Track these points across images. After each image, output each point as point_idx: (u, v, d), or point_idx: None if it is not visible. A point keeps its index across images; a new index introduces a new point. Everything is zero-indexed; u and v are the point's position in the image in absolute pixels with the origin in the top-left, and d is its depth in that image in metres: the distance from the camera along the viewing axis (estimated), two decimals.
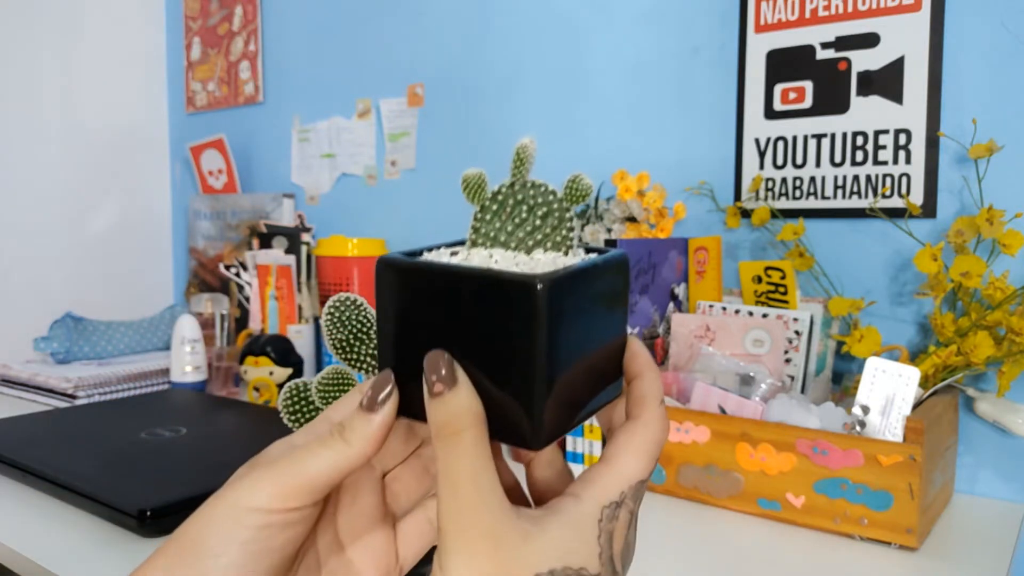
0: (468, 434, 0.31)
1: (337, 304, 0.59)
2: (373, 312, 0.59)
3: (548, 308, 0.30)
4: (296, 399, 0.58)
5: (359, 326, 0.58)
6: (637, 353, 0.36)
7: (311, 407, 0.58)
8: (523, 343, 0.31)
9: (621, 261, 0.36)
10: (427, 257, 0.35)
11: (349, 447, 0.33)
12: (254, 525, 0.31)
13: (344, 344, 0.58)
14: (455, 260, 0.34)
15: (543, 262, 0.34)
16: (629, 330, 0.39)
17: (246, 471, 0.33)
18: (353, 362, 0.58)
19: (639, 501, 0.34)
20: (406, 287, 0.34)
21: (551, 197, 0.36)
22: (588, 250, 0.37)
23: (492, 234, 0.36)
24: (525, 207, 0.36)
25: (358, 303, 0.59)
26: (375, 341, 0.57)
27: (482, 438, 0.31)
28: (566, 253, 0.36)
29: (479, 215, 0.36)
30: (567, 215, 0.36)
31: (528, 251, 0.36)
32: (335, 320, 0.58)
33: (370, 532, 0.37)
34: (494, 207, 0.36)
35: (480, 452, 0.31)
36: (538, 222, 0.36)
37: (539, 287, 0.30)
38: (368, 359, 0.58)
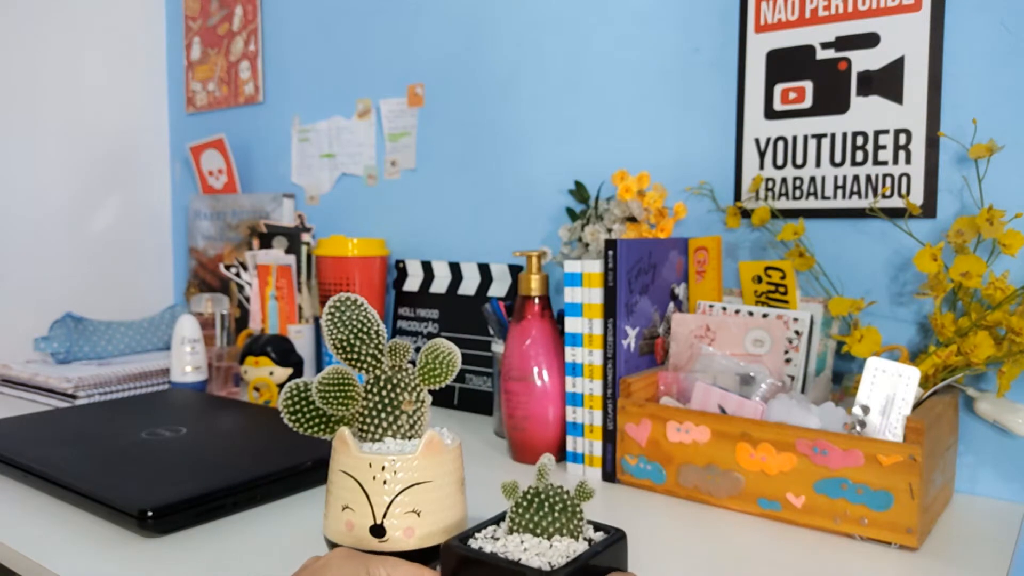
0: None
1: (337, 304, 0.59)
2: (374, 312, 0.59)
3: None
4: (297, 399, 0.58)
5: (359, 326, 0.58)
6: None
7: (311, 407, 0.58)
8: None
9: (619, 543, 0.52)
10: (477, 538, 0.53)
11: None
12: None
13: (344, 344, 0.58)
14: (497, 545, 0.52)
15: (559, 550, 0.50)
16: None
17: None
18: (353, 362, 0.58)
19: None
20: (466, 564, 0.51)
21: (565, 497, 0.52)
22: (596, 528, 0.54)
23: (524, 523, 0.52)
24: (547, 504, 0.52)
25: (358, 303, 0.59)
26: (375, 341, 0.57)
27: None
28: (577, 539, 0.52)
29: (515, 509, 0.53)
30: (577, 509, 0.52)
31: (549, 537, 0.52)
32: (335, 320, 0.58)
33: None
34: (524, 503, 0.53)
35: None
36: (556, 514, 0.52)
37: None
38: (368, 359, 0.58)
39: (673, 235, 1.03)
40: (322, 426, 0.58)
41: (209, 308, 1.38)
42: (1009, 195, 0.83)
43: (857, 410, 0.73)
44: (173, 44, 1.82)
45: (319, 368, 1.40)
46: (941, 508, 0.79)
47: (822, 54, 0.95)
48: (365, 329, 0.59)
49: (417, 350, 1.24)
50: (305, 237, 1.38)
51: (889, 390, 0.72)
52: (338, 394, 0.55)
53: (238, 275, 1.45)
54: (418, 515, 0.54)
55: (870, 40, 0.92)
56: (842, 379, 0.91)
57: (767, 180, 0.99)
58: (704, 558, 0.68)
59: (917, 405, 0.75)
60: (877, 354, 0.77)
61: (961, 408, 0.86)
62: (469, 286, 1.27)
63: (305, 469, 0.83)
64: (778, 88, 0.98)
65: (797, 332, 0.86)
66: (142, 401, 1.14)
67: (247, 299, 1.46)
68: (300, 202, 1.57)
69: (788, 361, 0.87)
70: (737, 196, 1.02)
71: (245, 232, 1.58)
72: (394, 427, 0.57)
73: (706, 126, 1.05)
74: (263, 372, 1.19)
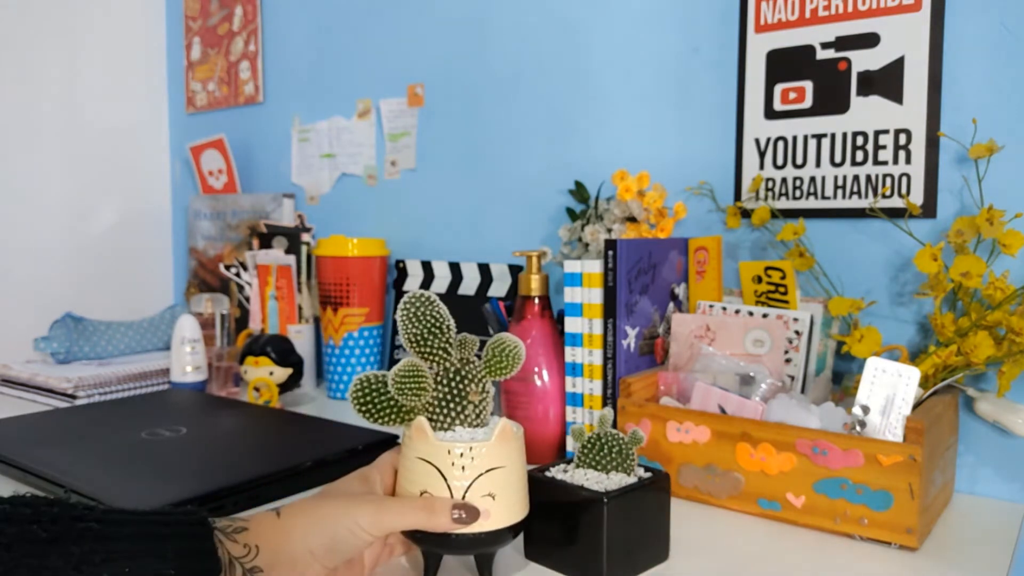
0: None
1: (412, 300, 0.61)
2: (445, 309, 0.62)
3: (609, 512, 0.61)
4: (367, 390, 0.61)
5: (433, 321, 0.61)
6: None
7: (383, 398, 0.62)
8: (596, 528, 0.61)
9: (663, 479, 0.66)
10: (552, 471, 0.67)
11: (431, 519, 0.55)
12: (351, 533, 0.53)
13: (418, 338, 0.60)
14: (566, 475, 0.66)
15: (614, 480, 0.64)
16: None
17: (355, 497, 0.57)
18: (425, 355, 0.60)
19: None
20: (542, 488, 0.64)
21: (621, 441, 0.66)
22: (647, 469, 0.67)
23: (588, 460, 0.67)
24: (606, 447, 0.66)
25: (432, 300, 0.62)
26: (446, 335, 0.59)
27: None
28: (629, 474, 0.66)
29: (581, 449, 0.67)
30: (630, 451, 0.66)
31: (607, 472, 0.66)
32: (410, 316, 0.61)
33: None
34: (589, 445, 0.67)
35: None
36: (613, 454, 0.66)
37: (606, 501, 0.60)
38: (439, 352, 0.60)
39: (673, 235, 1.03)
40: (392, 416, 0.62)
41: (209, 308, 1.38)
42: (1009, 195, 0.83)
43: (857, 410, 0.73)
44: (173, 44, 1.82)
45: (319, 368, 1.40)
46: (941, 508, 0.79)
47: (822, 54, 0.95)
48: (437, 324, 0.63)
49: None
50: (305, 237, 1.38)
51: (889, 390, 0.72)
52: (412, 385, 0.59)
53: (238, 275, 1.45)
54: (493, 498, 0.57)
55: (870, 40, 0.92)
56: (842, 379, 0.91)
57: (767, 180, 0.99)
58: (704, 558, 0.68)
59: (917, 405, 0.75)
60: (877, 354, 0.77)
61: (961, 408, 0.86)
62: (469, 286, 1.27)
63: (305, 469, 0.83)
64: (778, 88, 0.98)
65: (797, 332, 0.86)
66: (142, 401, 1.14)
67: (247, 299, 1.46)
68: (300, 202, 1.57)
69: (788, 361, 0.87)
70: (737, 196, 1.02)
71: (245, 232, 1.58)
72: (462, 416, 0.61)
73: (706, 126, 1.05)
74: (263, 372, 1.19)
